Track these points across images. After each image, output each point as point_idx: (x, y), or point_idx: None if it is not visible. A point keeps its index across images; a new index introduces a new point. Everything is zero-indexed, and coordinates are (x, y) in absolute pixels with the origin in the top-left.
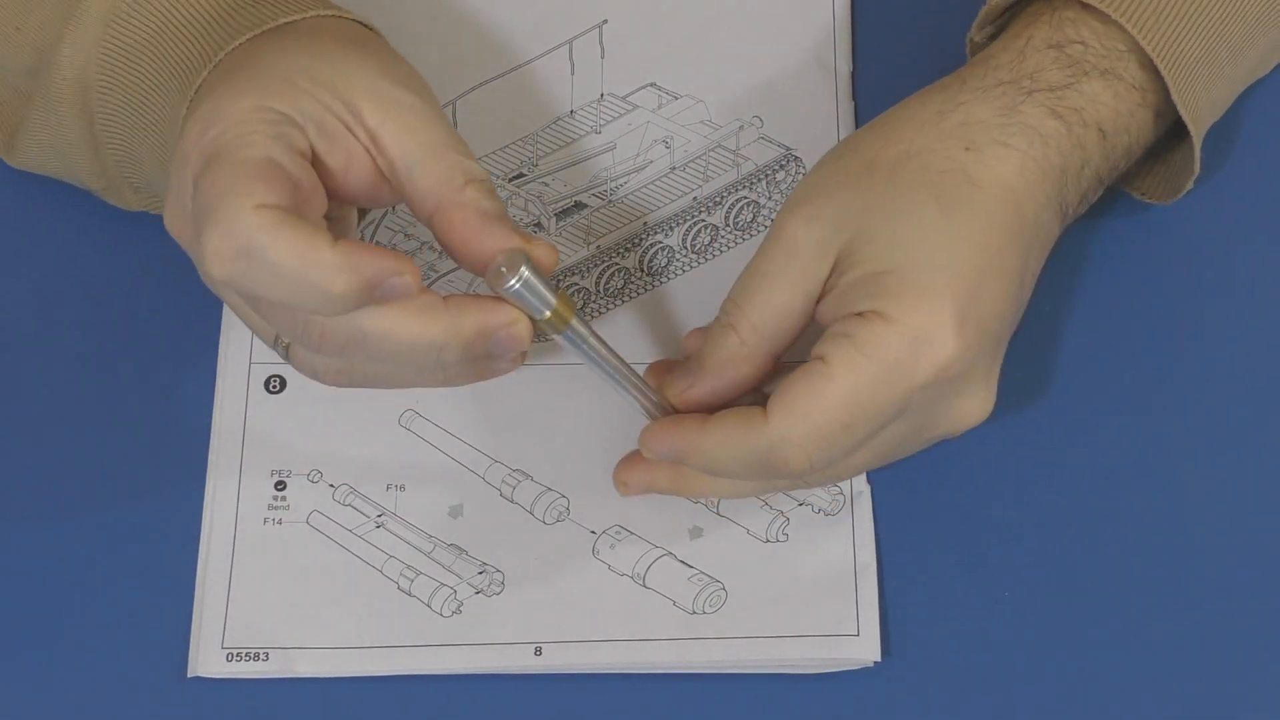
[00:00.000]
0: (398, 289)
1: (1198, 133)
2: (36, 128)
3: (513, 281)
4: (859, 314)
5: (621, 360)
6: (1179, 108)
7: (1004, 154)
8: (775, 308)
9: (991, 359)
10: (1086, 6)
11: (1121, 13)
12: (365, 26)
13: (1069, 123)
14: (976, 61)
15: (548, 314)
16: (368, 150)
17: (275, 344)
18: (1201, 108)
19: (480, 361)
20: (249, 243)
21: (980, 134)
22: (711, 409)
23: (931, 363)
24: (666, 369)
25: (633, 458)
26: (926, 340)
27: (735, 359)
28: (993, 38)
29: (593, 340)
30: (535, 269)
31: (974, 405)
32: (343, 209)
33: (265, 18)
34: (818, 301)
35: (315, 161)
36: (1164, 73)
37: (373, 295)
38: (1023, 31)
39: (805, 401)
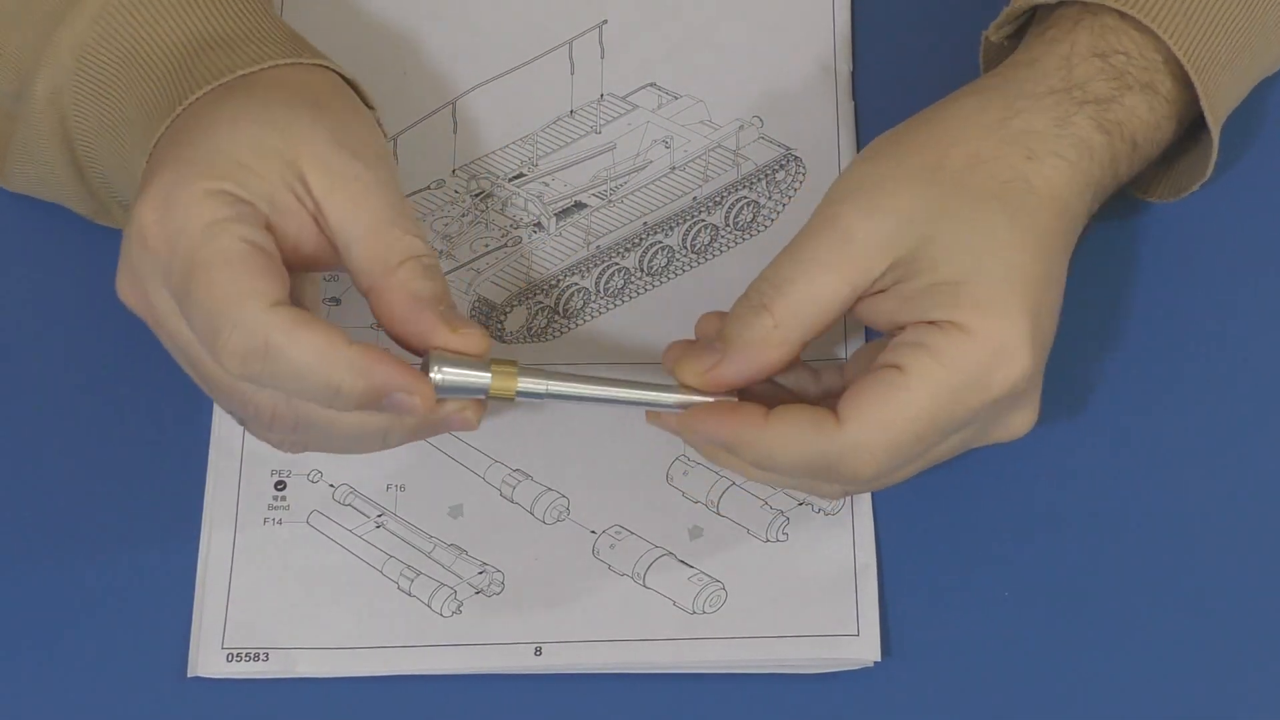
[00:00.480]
0: (404, 406)
1: (1218, 137)
2: (22, 151)
3: (436, 378)
4: (933, 323)
5: (598, 380)
6: (1208, 116)
7: (1058, 165)
8: (816, 296)
9: (1042, 370)
10: (1124, 15)
11: (1158, 22)
12: (331, 70)
13: (1111, 137)
14: (1020, 64)
15: (484, 396)
16: (315, 219)
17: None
18: (1223, 113)
19: (431, 432)
20: (267, 342)
21: (1038, 144)
22: (732, 391)
23: (1007, 376)
24: (684, 350)
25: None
26: (1005, 354)
27: (767, 342)
28: (1009, 38)
29: (555, 386)
30: (454, 362)
31: (1026, 416)
32: (300, 278)
33: (224, 67)
34: (860, 297)
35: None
36: (1196, 83)
37: (379, 403)
38: (1064, 37)
39: (881, 410)
